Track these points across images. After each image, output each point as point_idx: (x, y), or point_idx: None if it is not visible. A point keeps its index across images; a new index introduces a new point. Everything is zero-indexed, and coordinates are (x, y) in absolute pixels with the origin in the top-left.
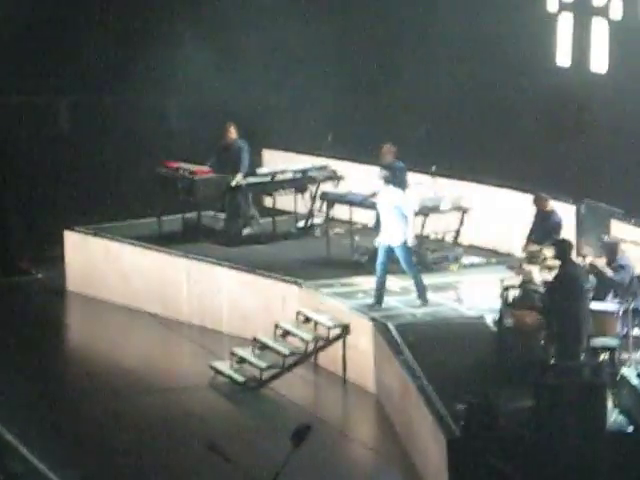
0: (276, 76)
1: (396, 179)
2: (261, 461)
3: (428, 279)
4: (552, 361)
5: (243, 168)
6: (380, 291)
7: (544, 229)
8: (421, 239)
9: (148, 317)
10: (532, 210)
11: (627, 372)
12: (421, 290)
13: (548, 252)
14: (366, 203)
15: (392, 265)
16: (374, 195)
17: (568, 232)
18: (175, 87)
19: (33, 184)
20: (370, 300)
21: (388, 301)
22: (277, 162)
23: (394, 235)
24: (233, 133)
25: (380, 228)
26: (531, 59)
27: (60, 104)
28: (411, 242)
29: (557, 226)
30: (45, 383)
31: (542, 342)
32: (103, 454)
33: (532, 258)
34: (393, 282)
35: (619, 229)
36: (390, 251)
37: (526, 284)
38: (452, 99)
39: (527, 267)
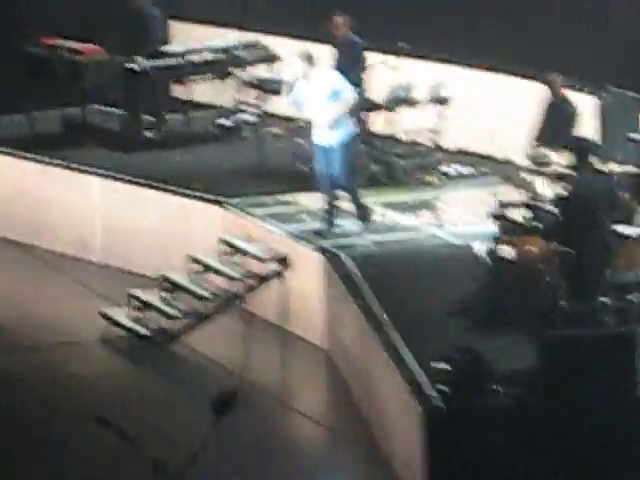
0: None
1: (349, 59)
2: (170, 439)
3: (398, 195)
4: (564, 303)
5: (150, 45)
6: (331, 210)
7: (555, 125)
8: (386, 142)
9: (15, 249)
10: (538, 100)
11: None
12: (360, 207)
13: (559, 156)
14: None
15: None
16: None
17: (586, 130)
18: None
19: None
20: (318, 224)
21: (342, 225)
22: (190, 38)
23: (334, 130)
24: None
25: (315, 124)
26: None
27: None
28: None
29: (572, 119)
30: None
31: (550, 278)
32: None
33: (537, 165)
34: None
35: None
36: (330, 152)
37: (529, 200)
38: None
39: (530, 178)
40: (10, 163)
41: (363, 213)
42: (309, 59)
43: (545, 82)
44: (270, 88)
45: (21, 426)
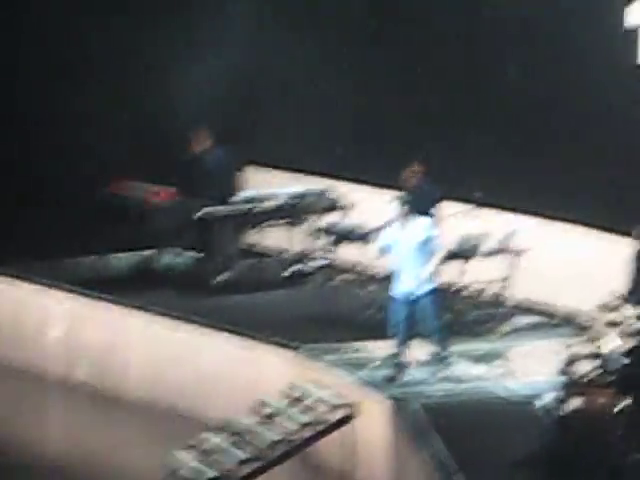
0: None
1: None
2: None
3: (466, 345)
4: (634, 457)
5: (221, 190)
6: (402, 358)
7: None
8: (457, 292)
9: (82, 390)
10: (626, 254)
11: None
12: (445, 352)
13: (631, 311)
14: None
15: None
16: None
17: None
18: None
19: None
20: (387, 371)
21: (413, 373)
22: (264, 184)
23: (422, 280)
24: (206, 141)
25: (399, 273)
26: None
27: None
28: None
29: None
30: None
31: (620, 432)
32: None
33: (611, 318)
34: (418, 347)
35: None
36: (414, 302)
37: (600, 353)
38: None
39: (602, 330)
40: (79, 303)
41: (444, 361)
42: (405, 205)
43: (635, 236)
44: (346, 235)
45: None
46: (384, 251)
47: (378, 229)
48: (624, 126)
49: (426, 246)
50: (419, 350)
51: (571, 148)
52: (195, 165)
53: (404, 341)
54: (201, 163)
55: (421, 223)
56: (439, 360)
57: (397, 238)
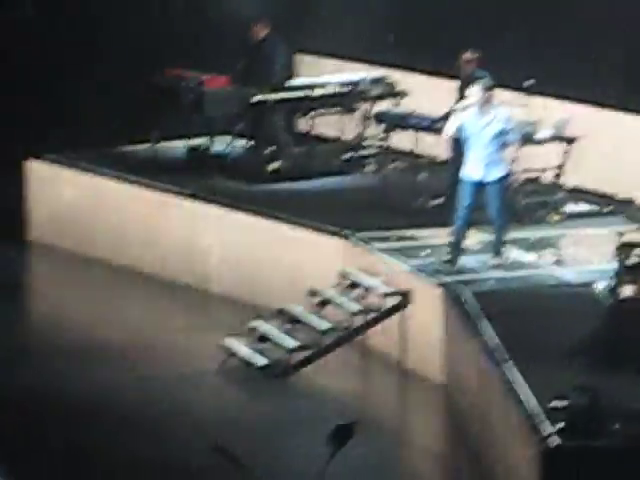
0: None
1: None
2: (287, 470)
3: (520, 233)
4: None
5: (273, 76)
6: (459, 244)
7: None
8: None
9: (141, 278)
10: None
11: None
12: (499, 243)
13: None
14: (438, 128)
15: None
16: (449, 117)
17: None
18: None
19: None
20: (442, 258)
21: (464, 260)
22: (316, 71)
23: (492, 167)
24: (264, 29)
25: (466, 158)
26: None
27: None
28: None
29: None
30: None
31: None
32: (79, 453)
33: None
34: (470, 235)
35: None
36: (479, 190)
37: None
38: None
39: None
40: (132, 191)
41: (500, 249)
42: (489, 90)
43: None
44: (400, 123)
45: (139, 457)
46: (458, 133)
47: (439, 118)
48: None
49: (501, 135)
50: (473, 238)
51: (628, 39)
52: (253, 53)
53: (464, 226)
54: (259, 50)
55: (503, 112)
56: (497, 247)
57: (473, 123)
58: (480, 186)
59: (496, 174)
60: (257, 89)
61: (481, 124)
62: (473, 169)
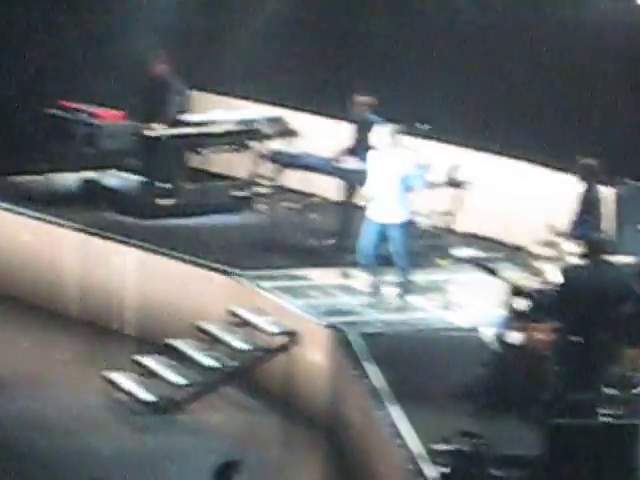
0: None
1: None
2: None
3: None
4: (569, 392)
5: (169, 112)
6: (377, 285)
7: (581, 212)
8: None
9: (22, 309)
10: (572, 191)
11: None
12: (407, 287)
13: (568, 244)
14: (330, 169)
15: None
16: (341, 158)
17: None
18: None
19: None
20: (359, 299)
21: (350, 302)
22: (210, 108)
23: (395, 210)
24: (161, 65)
25: (374, 201)
26: None
27: None
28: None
29: (595, 209)
30: None
31: (556, 366)
32: None
33: (550, 253)
34: (359, 277)
35: None
36: (383, 230)
37: (539, 287)
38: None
39: (542, 265)
40: (22, 222)
41: (405, 292)
42: (395, 134)
43: (583, 171)
44: (292, 163)
45: None
46: (357, 178)
47: (332, 159)
48: (570, 62)
49: (407, 179)
50: (362, 280)
51: (517, 84)
52: (149, 88)
53: (372, 267)
54: (155, 86)
55: (408, 155)
56: (401, 290)
57: (375, 166)
58: (383, 227)
59: (400, 217)
60: (152, 124)
61: (386, 167)
62: (377, 211)
